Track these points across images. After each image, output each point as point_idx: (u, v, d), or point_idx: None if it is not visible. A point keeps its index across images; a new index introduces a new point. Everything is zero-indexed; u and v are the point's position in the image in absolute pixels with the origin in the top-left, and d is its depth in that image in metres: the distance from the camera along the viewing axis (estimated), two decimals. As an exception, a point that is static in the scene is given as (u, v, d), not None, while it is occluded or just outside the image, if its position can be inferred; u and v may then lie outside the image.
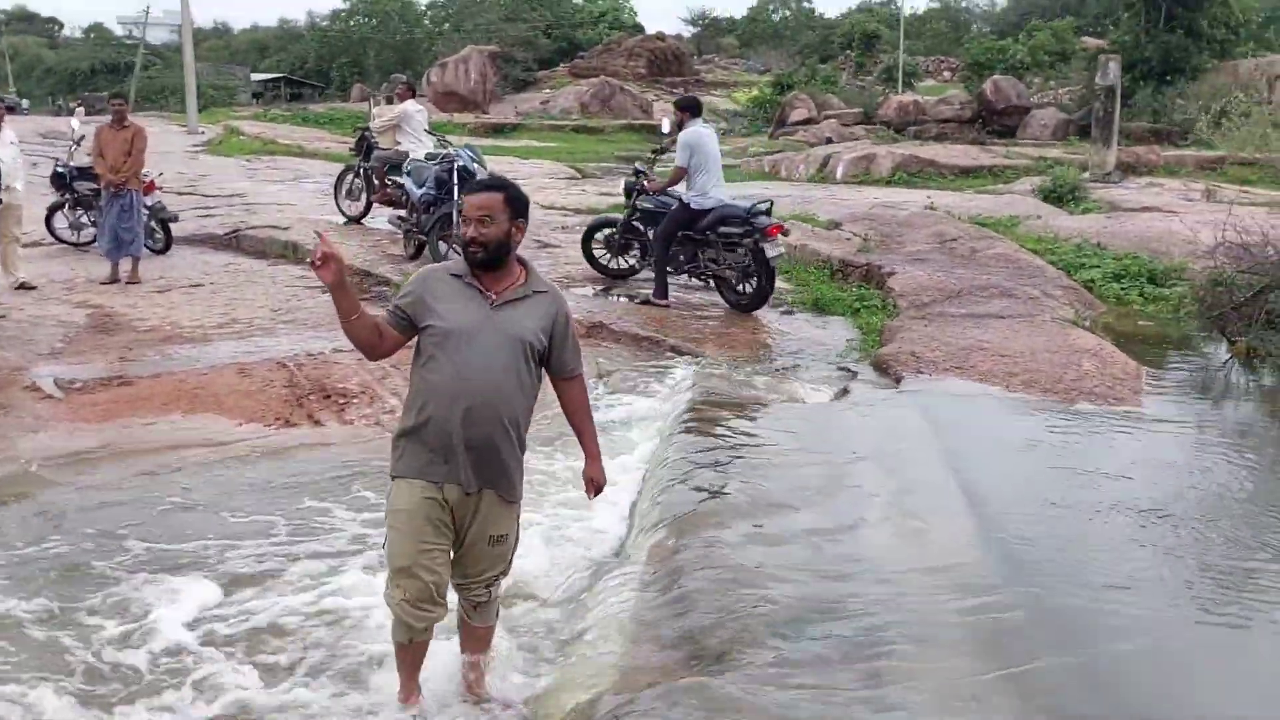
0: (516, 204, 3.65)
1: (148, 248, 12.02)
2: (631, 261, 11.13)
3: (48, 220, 12.66)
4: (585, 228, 11.75)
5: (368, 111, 16.63)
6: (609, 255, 11.26)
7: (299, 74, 64.38)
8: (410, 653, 3.86)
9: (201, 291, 10.59)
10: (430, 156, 12.41)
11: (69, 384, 7.49)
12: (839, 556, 4.78)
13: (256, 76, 64.99)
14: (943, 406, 6.97)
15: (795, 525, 5.13)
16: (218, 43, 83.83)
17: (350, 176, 14.53)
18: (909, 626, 4.14)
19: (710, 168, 9.83)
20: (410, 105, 13.73)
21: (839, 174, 20.76)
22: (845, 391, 7.54)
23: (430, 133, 13.73)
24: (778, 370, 8.17)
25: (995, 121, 29.19)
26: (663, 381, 7.95)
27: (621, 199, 11.83)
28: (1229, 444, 6.66)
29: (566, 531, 5.55)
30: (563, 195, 18.21)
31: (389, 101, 15.25)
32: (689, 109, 10.19)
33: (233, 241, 13.35)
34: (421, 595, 3.66)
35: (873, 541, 4.94)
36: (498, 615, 4.05)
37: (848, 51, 50.66)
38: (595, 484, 4.00)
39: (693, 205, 9.81)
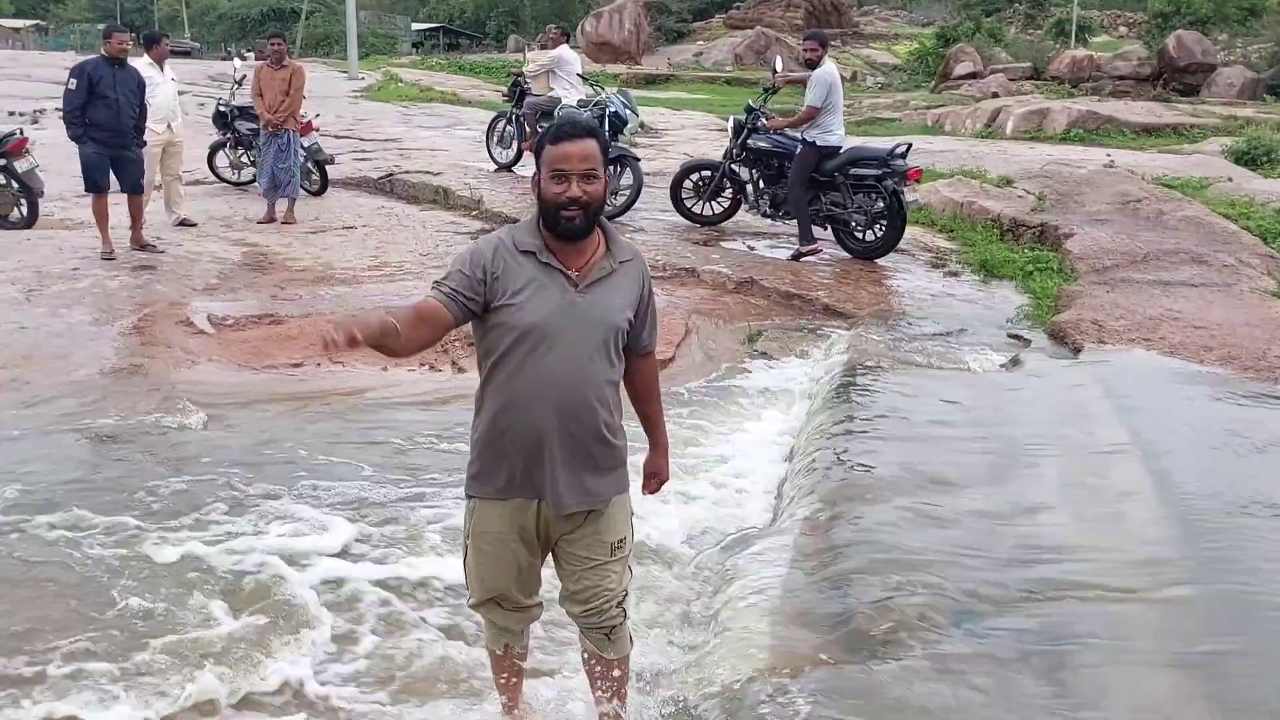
0: (606, 152, 2.93)
1: (304, 189, 12.15)
2: (721, 207, 10.76)
3: (209, 159, 12.92)
4: (676, 172, 11.31)
5: (522, 58, 16.49)
6: (698, 201, 10.85)
7: (457, 24, 65.04)
8: (506, 667, 3.34)
9: (354, 234, 10.61)
10: (583, 103, 12.16)
11: (221, 320, 7.53)
12: (1015, 542, 4.34)
13: (416, 26, 65.93)
14: (1129, 380, 6.35)
15: (964, 505, 4.70)
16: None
17: (502, 123, 14.43)
18: (1096, 625, 3.72)
19: (839, 107, 9.45)
20: (564, 50, 13.49)
21: (1008, 129, 19.74)
22: (1017, 361, 6.99)
23: (584, 79, 13.47)
24: (941, 335, 7.65)
25: (1176, 79, 27.33)
26: (816, 344, 7.54)
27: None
28: None
29: (707, 497, 5.23)
30: (714, 147, 17.73)
31: (543, 49, 15.07)
32: (824, 44, 9.73)
33: (387, 185, 13.41)
34: (522, 597, 3.17)
35: (1053, 527, 4.48)
36: (633, 641, 3.34)
37: (1016, 4, 48.33)
38: (658, 478, 3.34)
39: (820, 144, 9.37)
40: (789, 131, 9.89)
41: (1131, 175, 12.33)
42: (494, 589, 3.13)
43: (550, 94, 13.15)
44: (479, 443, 3.01)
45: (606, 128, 10.90)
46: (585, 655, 3.28)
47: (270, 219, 10.93)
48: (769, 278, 8.93)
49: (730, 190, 10.62)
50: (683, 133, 20.10)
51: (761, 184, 10.17)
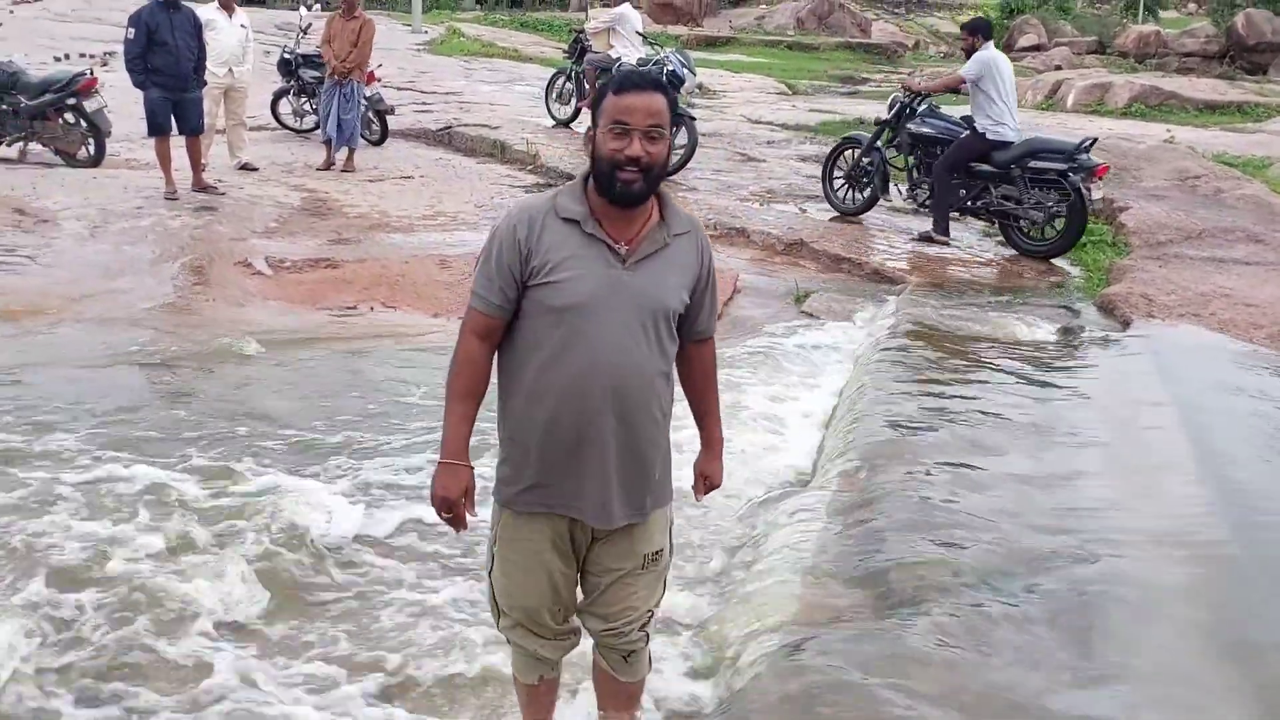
0: (674, 110, 2.60)
1: (364, 138, 12.29)
2: (864, 197, 9.89)
3: (273, 106, 13.10)
4: (834, 143, 10.49)
5: (585, 16, 16.49)
6: (847, 187, 10.01)
7: (520, -21, 64.83)
8: (541, 694, 2.98)
9: (411, 183, 10.75)
10: (642, 62, 12.17)
11: (279, 262, 7.70)
12: (1051, 508, 4.38)
13: (479, -20, 65.81)
14: (1176, 354, 6.34)
15: (1002, 469, 4.74)
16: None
17: (561, 80, 14.47)
18: (1126, 591, 3.74)
19: (1007, 97, 8.76)
20: (626, 8, 13.48)
21: (1069, 102, 19.43)
22: (1066, 331, 6.99)
23: (644, 38, 13.47)
24: (990, 303, 7.65)
25: (1244, 58, 26.70)
26: (864, 307, 7.57)
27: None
28: None
29: (749, 451, 5.30)
30: (771, 110, 17.72)
31: (606, 7, 15.05)
32: (979, 31, 9.07)
33: (445, 137, 13.53)
34: (554, 622, 2.81)
35: (1090, 494, 4.51)
36: (651, 664, 3.04)
37: (1088, -25, 47.37)
38: (710, 481, 2.96)
39: (990, 136, 8.75)
40: (952, 116, 9.28)
41: (1191, 152, 12.17)
42: (525, 607, 2.76)
43: (610, 51, 13.17)
44: (509, 441, 2.66)
45: (664, 86, 10.90)
46: (596, 670, 2.99)
47: (329, 165, 11.09)
48: (819, 240, 8.96)
49: (873, 176, 9.74)
50: (740, 94, 20.02)
51: (920, 171, 9.42)
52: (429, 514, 4.27)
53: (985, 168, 8.86)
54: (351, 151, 11.21)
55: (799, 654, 3.38)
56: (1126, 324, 6.99)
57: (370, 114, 12.33)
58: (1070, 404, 5.57)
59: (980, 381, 5.91)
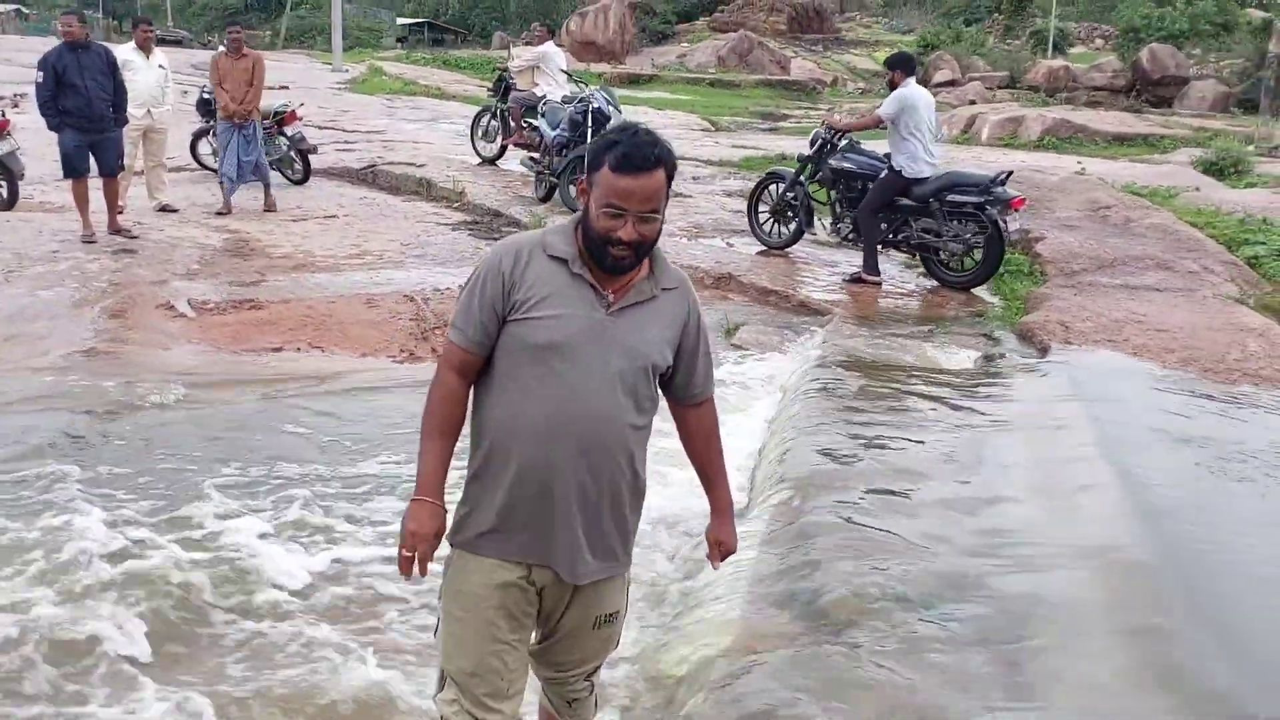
0: (671, 181, 2.49)
1: (287, 178, 12.20)
2: (790, 230, 10.05)
3: (192, 146, 12.94)
4: (758, 178, 10.60)
5: (507, 54, 16.57)
6: (772, 220, 10.15)
7: (442, 20, 64.91)
8: None
9: (335, 222, 10.67)
10: (567, 99, 12.26)
11: (202, 304, 7.59)
12: (978, 530, 4.47)
13: (401, 20, 65.78)
14: (1093, 379, 6.52)
15: (930, 495, 4.83)
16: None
17: (487, 118, 14.51)
18: (1053, 611, 3.84)
19: (924, 133, 8.86)
20: (549, 47, 13.61)
21: (984, 136, 19.98)
22: (987, 359, 7.15)
23: (568, 75, 13.58)
24: (914, 333, 7.80)
25: (1150, 92, 27.75)
26: (791, 339, 7.67)
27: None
28: None
29: (683, 485, 5.32)
30: (695, 147, 17.91)
31: (528, 46, 15.16)
32: (900, 66, 9.15)
33: (369, 176, 13.47)
34: (491, 694, 2.59)
35: (1015, 517, 4.61)
36: (598, 707, 2.98)
37: (995, 14, 48.73)
38: (725, 548, 2.86)
39: (907, 173, 8.87)
40: (872, 152, 9.41)
41: (1102, 183, 12.56)
42: (465, 665, 2.57)
43: (535, 89, 13.24)
44: (474, 480, 2.57)
45: (590, 124, 11.00)
46: (541, 710, 2.96)
47: (228, 210, 10.78)
48: (747, 274, 9.06)
49: (798, 210, 9.88)
50: (665, 132, 20.13)
51: (841, 207, 9.53)
52: (353, 554, 4.32)
53: (905, 202, 9.01)
54: (268, 189, 11.01)
55: (736, 682, 3.41)
56: (1045, 350, 7.17)
57: (293, 153, 12.25)
58: (992, 430, 5.69)
59: (905, 410, 6.02)
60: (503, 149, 14.08)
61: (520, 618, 2.58)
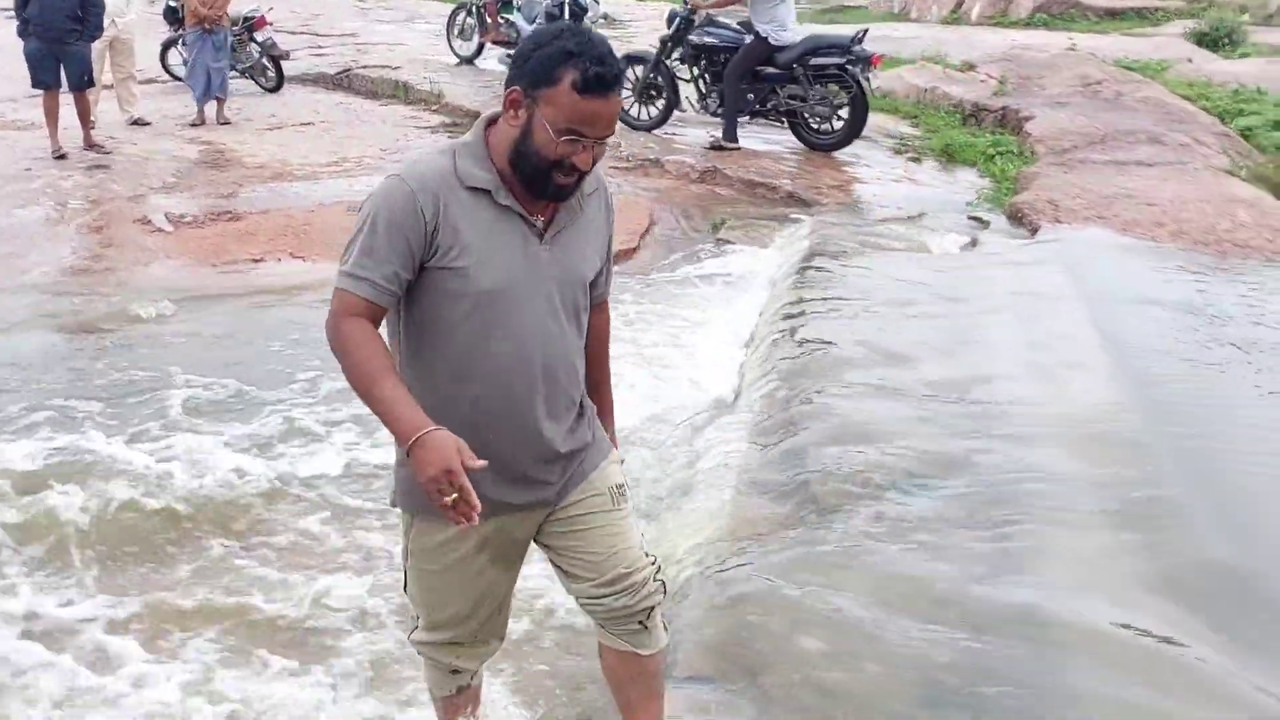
0: None
1: (260, 85, 11.94)
2: (656, 110, 10.03)
3: (162, 57, 12.62)
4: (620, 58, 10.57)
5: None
6: (635, 103, 10.02)
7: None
8: (461, 705, 2.60)
9: (312, 130, 10.47)
10: (545, -7, 11.95)
11: (178, 218, 7.48)
12: (965, 412, 4.46)
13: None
14: (1082, 256, 6.46)
15: (918, 378, 4.80)
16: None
17: (462, 15, 14.13)
18: (1040, 484, 3.84)
19: (789, 0, 9.12)
20: (525, -64, 13.19)
21: (974, 14, 19.52)
22: (976, 242, 7.08)
23: (545, -33, 13.21)
24: (903, 219, 7.71)
25: (1146, -38, 27.06)
26: (780, 231, 7.59)
27: None
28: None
29: (674, 380, 5.33)
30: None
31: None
32: None
33: (344, 81, 13.16)
34: (479, 635, 2.45)
35: (1003, 396, 4.60)
36: (667, 627, 2.54)
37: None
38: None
39: (772, 40, 9.02)
40: (730, 24, 9.47)
41: (1093, 58, 12.31)
42: (450, 619, 2.40)
43: (511, -18, 12.90)
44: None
45: (567, 15, 10.73)
46: (607, 660, 2.48)
47: (202, 121, 10.55)
48: (733, 167, 8.93)
49: (665, 90, 9.90)
50: (647, 23, 19.77)
51: (707, 80, 9.64)
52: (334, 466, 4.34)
53: (770, 70, 9.12)
54: (222, 103, 10.71)
55: (727, 568, 3.43)
56: (1035, 230, 7.11)
57: (265, 60, 11.96)
58: (981, 312, 5.65)
59: (894, 296, 5.97)
60: (480, 47, 13.75)
61: (506, 555, 2.37)
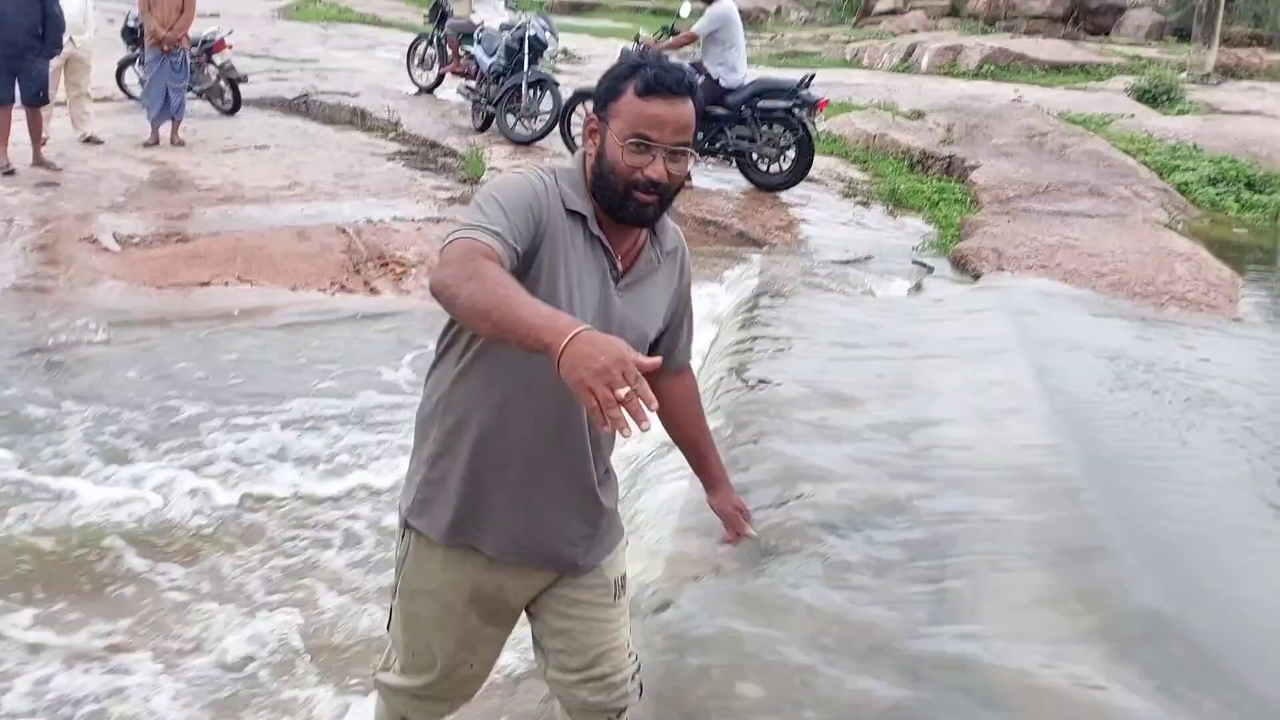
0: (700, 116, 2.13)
1: (216, 108, 11.88)
2: None
3: (118, 75, 12.52)
4: (568, 98, 10.46)
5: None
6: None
7: (376, -57, 63.25)
8: None
9: (266, 153, 10.42)
10: (505, 26, 12.02)
11: (127, 238, 7.41)
12: (907, 455, 4.53)
13: (334, -56, 64.04)
14: (1024, 304, 6.59)
15: (861, 420, 4.88)
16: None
17: (423, 45, 14.19)
18: (981, 530, 3.91)
19: (739, 44, 9.38)
20: (486, -29, 13.31)
21: (924, 64, 19.91)
22: (920, 286, 7.22)
23: (505, 2, 13.31)
24: (851, 261, 7.84)
25: (1088, 20, 27.72)
26: (729, 268, 7.68)
27: None
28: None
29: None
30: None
31: (465, -31, 14.83)
32: None
33: (301, 105, 13.14)
34: (447, 692, 2.36)
35: (945, 441, 4.67)
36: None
37: (941, -61, 48.54)
38: (743, 511, 2.49)
39: (723, 82, 9.27)
40: (682, 65, 9.70)
41: (1038, 110, 12.61)
42: (424, 671, 2.28)
43: (472, 16, 12.98)
44: (435, 458, 2.15)
45: (526, 51, 10.82)
46: None
47: (155, 141, 10.44)
48: (685, 204, 9.01)
49: None
50: (605, 59, 19.95)
51: None
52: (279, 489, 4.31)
53: (720, 111, 9.29)
54: (177, 124, 10.62)
55: (666, 609, 3.45)
56: (978, 276, 7.26)
57: (222, 82, 11.90)
58: (924, 356, 5.75)
59: (839, 341, 6.05)
60: (440, 77, 13.80)
61: (498, 611, 2.25)
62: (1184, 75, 17.13)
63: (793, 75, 9.89)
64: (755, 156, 9.50)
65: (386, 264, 7.11)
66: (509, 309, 1.74)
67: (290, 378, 5.46)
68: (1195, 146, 11.55)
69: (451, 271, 1.82)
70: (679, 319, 2.31)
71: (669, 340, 2.29)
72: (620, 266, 2.10)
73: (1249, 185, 10.32)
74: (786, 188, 9.53)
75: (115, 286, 6.63)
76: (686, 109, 2.04)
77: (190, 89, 11.18)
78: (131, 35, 12.23)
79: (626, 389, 1.62)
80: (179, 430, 4.83)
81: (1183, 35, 21.48)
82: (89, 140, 10.25)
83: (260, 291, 6.62)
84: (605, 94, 2.06)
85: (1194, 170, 10.63)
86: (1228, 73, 18.42)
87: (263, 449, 4.70)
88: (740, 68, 9.36)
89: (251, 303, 6.46)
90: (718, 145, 9.50)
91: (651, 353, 2.18)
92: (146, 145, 10.37)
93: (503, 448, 2.09)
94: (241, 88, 12.22)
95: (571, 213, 2.04)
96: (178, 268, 6.93)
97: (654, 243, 2.17)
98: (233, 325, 6.16)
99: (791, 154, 9.40)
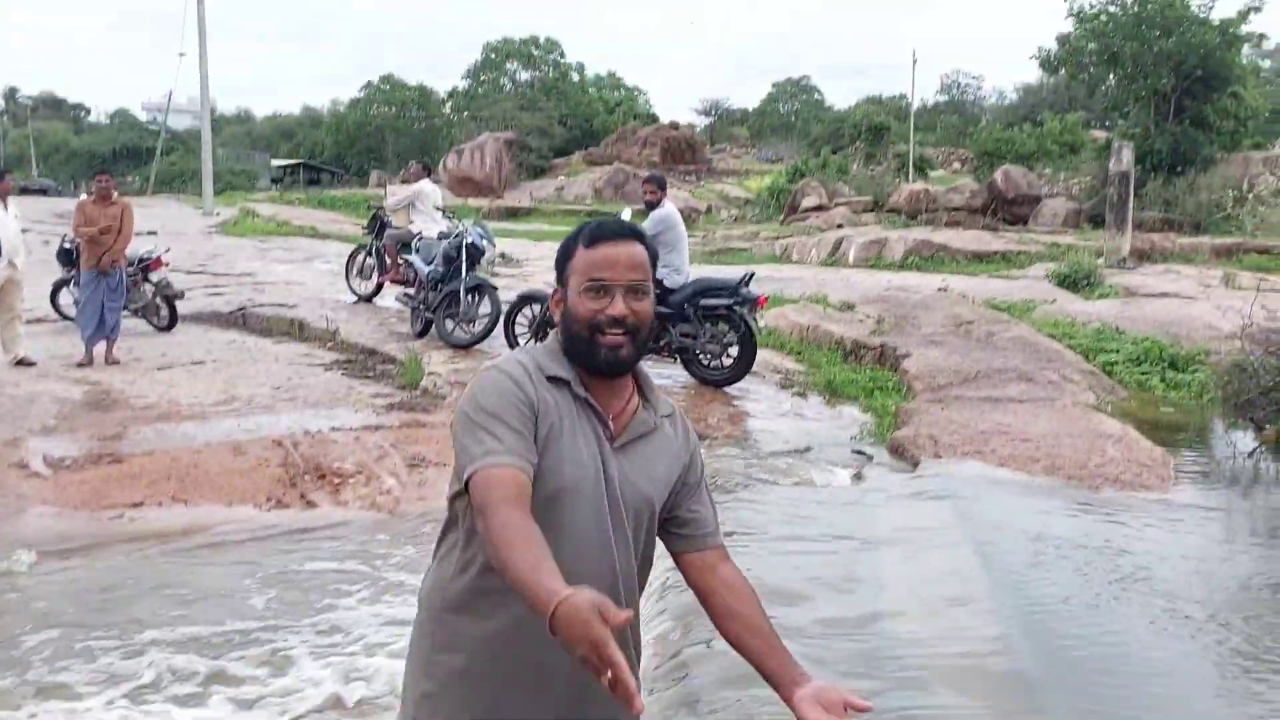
0: (655, 262, 2.19)
1: (152, 325, 11.91)
2: None
3: (53, 296, 12.58)
4: (512, 301, 10.77)
5: (384, 193, 16.67)
6: (531, 339, 10.33)
7: (318, 160, 65.19)
8: None
9: (203, 369, 10.40)
10: (442, 235, 12.32)
11: (57, 461, 7.27)
12: (857, 652, 4.46)
13: (276, 162, 65.92)
14: (963, 491, 6.67)
15: (810, 617, 4.81)
16: (239, 129, 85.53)
17: (362, 255, 14.50)
18: (933, 728, 3.82)
19: (683, 246, 9.77)
20: (425, 184, 13.72)
21: (851, 258, 20.68)
22: (860, 475, 7.27)
23: (442, 212, 13.68)
24: (791, 452, 7.89)
25: (1006, 210, 29.21)
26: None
27: None
28: (1263, 532, 6.34)
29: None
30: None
31: (404, 184, 15.28)
32: (660, 185, 10.15)
33: (239, 319, 13.24)
34: None
35: (895, 636, 4.62)
36: None
37: (857, 142, 51.21)
38: (849, 700, 2.05)
39: (667, 282, 9.55)
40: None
41: (963, 299, 13.06)
42: None
43: (410, 226, 13.31)
44: (444, 648, 2.11)
45: (464, 258, 11.06)
46: None
47: (90, 361, 10.38)
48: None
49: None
50: (543, 262, 20.44)
51: None
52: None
53: (663, 309, 9.49)
54: (112, 343, 10.58)
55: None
56: (916, 464, 7.33)
57: (158, 300, 11.98)
58: (868, 547, 5.74)
59: (783, 534, 6.03)
60: (379, 286, 14.04)
61: None
62: (1101, 260, 17.92)
63: (727, 271, 10.20)
64: (699, 353, 9.69)
65: (324, 475, 7.03)
66: (516, 575, 1.81)
67: (203, 605, 5.28)
68: (1118, 329, 11.98)
69: (491, 529, 1.87)
70: (696, 482, 2.25)
71: (691, 504, 2.23)
72: (613, 427, 2.12)
73: (1172, 365, 10.67)
74: (731, 382, 9.67)
75: (45, 512, 6.46)
76: (635, 249, 2.11)
77: (126, 307, 11.22)
78: (67, 256, 12.34)
79: (609, 674, 1.64)
80: (102, 658, 4.61)
81: (1097, 222, 22.60)
82: (21, 363, 10.17)
83: (193, 511, 6.49)
84: (560, 263, 2.17)
85: (1118, 352, 10.99)
86: (1143, 257, 19.31)
87: (191, 676, 4.51)
88: (684, 268, 9.69)
89: (183, 523, 6.32)
90: (661, 342, 9.65)
91: (675, 520, 2.21)
92: (80, 365, 10.30)
93: (526, 622, 1.95)
94: (178, 303, 12.31)
95: (554, 379, 2.09)
96: (110, 489, 6.79)
97: (647, 405, 2.19)
98: (167, 545, 6.00)
99: (734, 350, 9.61)
